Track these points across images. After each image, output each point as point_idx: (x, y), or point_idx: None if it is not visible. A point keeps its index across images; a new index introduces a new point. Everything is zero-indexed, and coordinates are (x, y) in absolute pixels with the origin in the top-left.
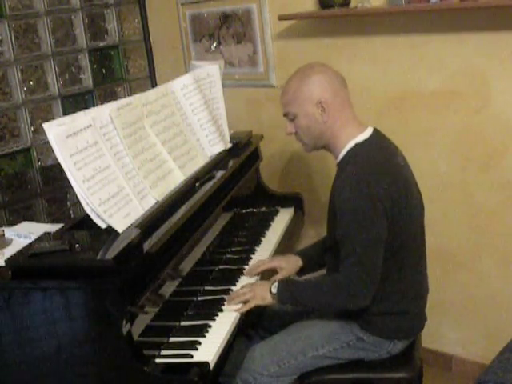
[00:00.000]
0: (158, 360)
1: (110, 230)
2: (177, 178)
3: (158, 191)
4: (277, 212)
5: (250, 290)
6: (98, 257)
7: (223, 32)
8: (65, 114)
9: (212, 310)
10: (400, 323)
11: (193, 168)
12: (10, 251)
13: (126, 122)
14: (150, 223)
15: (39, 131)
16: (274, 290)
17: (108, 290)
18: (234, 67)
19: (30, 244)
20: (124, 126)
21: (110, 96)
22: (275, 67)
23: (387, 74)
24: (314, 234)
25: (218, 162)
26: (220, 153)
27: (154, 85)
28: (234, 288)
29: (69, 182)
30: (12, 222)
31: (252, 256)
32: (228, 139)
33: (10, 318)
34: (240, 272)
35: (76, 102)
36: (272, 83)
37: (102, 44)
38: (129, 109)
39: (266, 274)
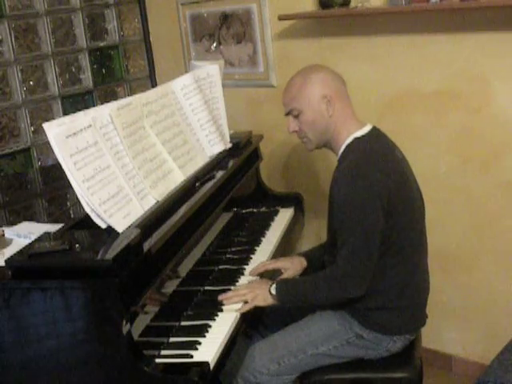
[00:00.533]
0: (158, 360)
1: (110, 230)
2: (177, 177)
3: (158, 191)
4: (277, 212)
5: (251, 290)
6: (98, 257)
7: (223, 32)
8: (65, 114)
9: (212, 310)
10: (399, 318)
11: (193, 168)
12: (9, 251)
13: (126, 121)
14: (149, 223)
15: (39, 131)
16: (273, 291)
17: (108, 289)
18: (234, 67)
19: (30, 244)
20: (124, 125)
21: (110, 96)
22: (275, 67)
23: (387, 74)
24: (314, 233)
25: (218, 161)
26: (220, 153)
27: (154, 85)
28: (233, 288)
29: (69, 182)
30: (12, 222)
31: (252, 256)
32: (228, 139)
33: (10, 318)
34: (240, 272)
35: (76, 102)
36: (272, 83)
37: (102, 44)
38: (129, 109)
39: (267, 274)
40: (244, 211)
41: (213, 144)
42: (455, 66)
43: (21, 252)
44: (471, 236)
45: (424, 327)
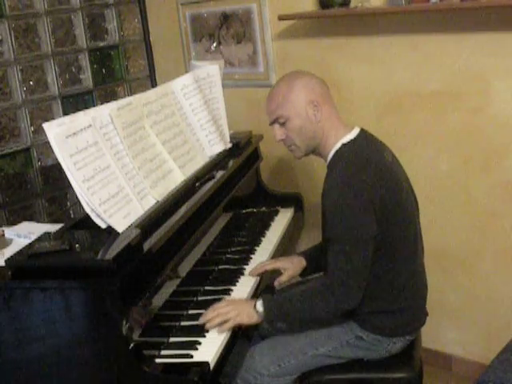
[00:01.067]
0: (158, 360)
1: (110, 230)
2: (177, 177)
3: (158, 191)
4: (277, 212)
5: (233, 308)
6: (98, 257)
7: (223, 32)
8: (65, 114)
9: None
10: (398, 321)
11: (193, 168)
12: (9, 251)
13: (126, 121)
14: (149, 223)
15: (39, 131)
16: (260, 308)
17: (108, 289)
18: (234, 67)
19: (30, 244)
20: (124, 125)
21: (110, 96)
22: (275, 67)
23: (387, 74)
24: (313, 234)
25: (218, 161)
26: (220, 153)
27: (154, 85)
28: (233, 288)
29: (69, 182)
30: (12, 222)
31: (252, 256)
32: (228, 139)
33: (10, 318)
34: (240, 272)
35: (76, 102)
36: (272, 83)
37: (102, 44)
38: (129, 109)
39: (267, 275)
40: (244, 211)
41: (213, 144)
42: (455, 66)
43: (21, 252)
44: (471, 236)
45: (424, 327)
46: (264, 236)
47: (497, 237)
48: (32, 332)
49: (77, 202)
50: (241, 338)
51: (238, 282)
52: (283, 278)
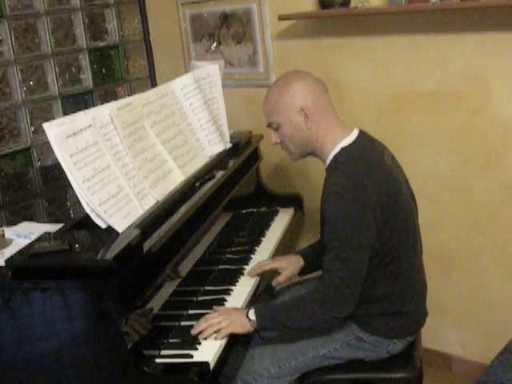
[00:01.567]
0: (157, 360)
1: (110, 230)
2: (177, 178)
3: (158, 191)
4: (277, 212)
5: (225, 317)
6: (98, 257)
7: (223, 32)
8: (65, 114)
9: (212, 310)
10: (399, 323)
11: (193, 168)
12: (9, 251)
13: (126, 121)
14: (149, 223)
15: (39, 131)
16: (252, 317)
17: (108, 290)
18: (234, 67)
19: (30, 244)
20: (124, 125)
21: (110, 96)
22: (275, 67)
23: (387, 74)
24: (313, 234)
25: (218, 162)
26: (220, 153)
27: (154, 85)
28: (233, 288)
29: (69, 182)
30: (12, 222)
31: (252, 256)
32: (228, 139)
33: (10, 318)
34: (240, 272)
35: (76, 102)
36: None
37: (101, 44)
38: (129, 109)
39: (265, 275)
40: (244, 211)
41: (213, 144)
42: (455, 66)
43: (21, 252)
44: (471, 236)
45: (424, 327)
46: (264, 236)
47: (497, 237)
48: (32, 332)
49: (77, 202)
50: (241, 339)
51: (237, 281)
52: (281, 278)
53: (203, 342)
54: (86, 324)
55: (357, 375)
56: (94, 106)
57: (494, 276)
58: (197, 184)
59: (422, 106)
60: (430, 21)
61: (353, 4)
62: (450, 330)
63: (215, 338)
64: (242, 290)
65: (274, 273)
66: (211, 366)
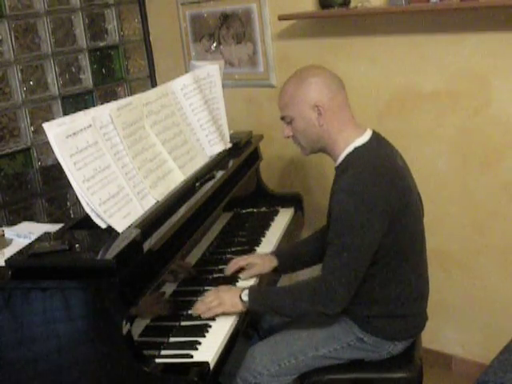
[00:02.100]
0: (158, 360)
1: (110, 230)
2: (177, 177)
3: (158, 191)
4: (277, 212)
5: (216, 296)
6: (98, 257)
7: (223, 32)
8: (65, 114)
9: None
10: (401, 325)
11: (193, 168)
12: (9, 251)
13: (126, 121)
14: (149, 223)
15: (39, 131)
16: (244, 298)
17: (108, 289)
18: (234, 67)
19: (30, 244)
20: (124, 125)
21: (110, 96)
22: (275, 67)
23: (387, 74)
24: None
25: (218, 162)
26: (220, 153)
27: (154, 85)
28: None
29: (69, 182)
30: (12, 222)
31: None
32: (228, 139)
33: (10, 318)
34: (240, 272)
35: (76, 102)
36: (272, 83)
37: (101, 44)
38: (129, 109)
39: (267, 276)
40: (244, 211)
41: (213, 144)
42: (455, 66)
43: (21, 252)
44: (471, 236)
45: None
46: (264, 236)
47: (497, 237)
48: (32, 332)
49: (77, 202)
50: (241, 337)
51: (237, 281)
52: (250, 271)
53: (203, 341)
54: (85, 324)
55: (357, 375)
56: (94, 105)
57: (494, 276)
58: (197, 184)
59: (421, 106)
60: (430, 21)
61: (353, 4)
62: (450, 329)
63: (204, 317)
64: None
65: (275, 273)
66: (211, 366)
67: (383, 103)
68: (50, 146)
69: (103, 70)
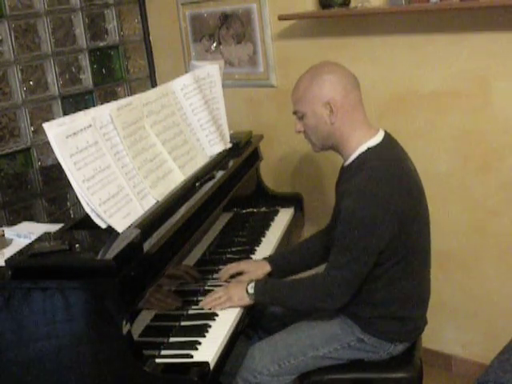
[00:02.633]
0: (158, 360)
1: (110, 230)
2: (177, 177)
3: (158, 191)
4: (277, 212)
5: (225, 292)
6: (98, 257)
7: (223, 32)
8: (65, 114)
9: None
10: (402, 327)
11: (193, 168)
12: (9, 251)
13: (126, 121)
14: (149, 223)
15: (39, 131)
16: (250, 291)
17: (108, 289)
18: (234, 67)
19: (30, 244)
20: (124, 125)
21: (110, 96)
22: (275, 67)
23: (387, 74)
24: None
25: (218, 162)
26: (220, 153)
27: (154, 85)
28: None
29: (69, 182)
30: (12, 222)
31: (252, 256)
32: (228, 139)
33: (10, 318)
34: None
35: (76, 102)
36: (272, 83)
37: (102, 44)
38: (129, 109)
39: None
40: (244, 211)
41: (213, 144)
42: (455, 66)
43: (21, 252)
44: (471, 236)
45: None
46: (264, 236)
47: (497, 237)
48: (32, 332)
49: (77, 202)
50: (241, 337)
51: None
52: (242, 278)
53: (203, 341)
54: (86, 324)
55: (357, 375)
56: (94, 105)
57: (494, 276)
58: (197, 184)
59: (421, 106)
60: (430, 21)
61: (353, 4)
62: (450, 330)
63: (214, 309)
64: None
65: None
66: (211, 366)
67: (383, 103)
68: (50, 146)
69: (103, 70)
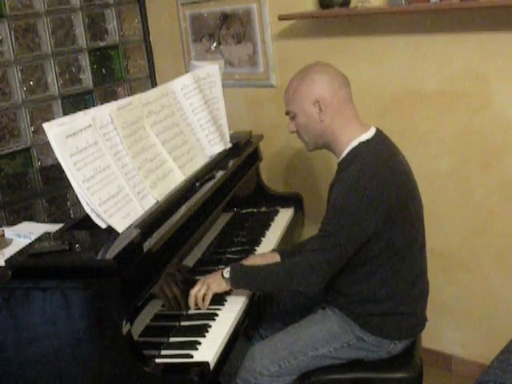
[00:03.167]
0: (157, 360)
1: (110, 230)
2: (177, 177)
3: (158, 191)
4: (277, 212)
5: (202, 283)
6: (98, 257)
7: (223, 32)
8: (65, 114)
9: (212, 310)
10: (401, 324)
11: (193, 168)
12: (10, 251)
13: (126, 121)
14: (150, 223)
15: (39, 131)
16: (226, 275)
17: (108, 289)
18: (234, 67)
19: (30, 244)
20: (124, 125)
21: (110, 96)
22: (275, 67)
23: (387, 74)
24: (313, 233)
25: (218, 162)
26: (220, 153)
27: (154, 85)
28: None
29: (69, 182)
30: (12, 222)
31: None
32: (228, 139)
33: (10, 318)
34: None
35: (76, 102)
36: (272, 83)
37: (102, 44)
38: (129, 109)
39: None
40: (244, 211)
41: (213, 144)
42: (455, 66)
43: (21, 252)
44: (471, 236)
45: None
46: (264, 236)
47: (497, 237)
48: (32, 332)
49: (77, 202)
50: (241, 337)
51: None
52: None
53: (203, 341)
54: (86, 324)
55: (357, 375)
56: (94, 105)
57: (494, 276)
58: (197, 184)
59: (421, 106)
60: (430, 21)
61: (353, 4)
62: (450, 329)
63: (203, 307)
64: (242, 289)
65: None
66: (211, 366)
67: (383, 103)
68: (50, 146)
69: (103, 70)
